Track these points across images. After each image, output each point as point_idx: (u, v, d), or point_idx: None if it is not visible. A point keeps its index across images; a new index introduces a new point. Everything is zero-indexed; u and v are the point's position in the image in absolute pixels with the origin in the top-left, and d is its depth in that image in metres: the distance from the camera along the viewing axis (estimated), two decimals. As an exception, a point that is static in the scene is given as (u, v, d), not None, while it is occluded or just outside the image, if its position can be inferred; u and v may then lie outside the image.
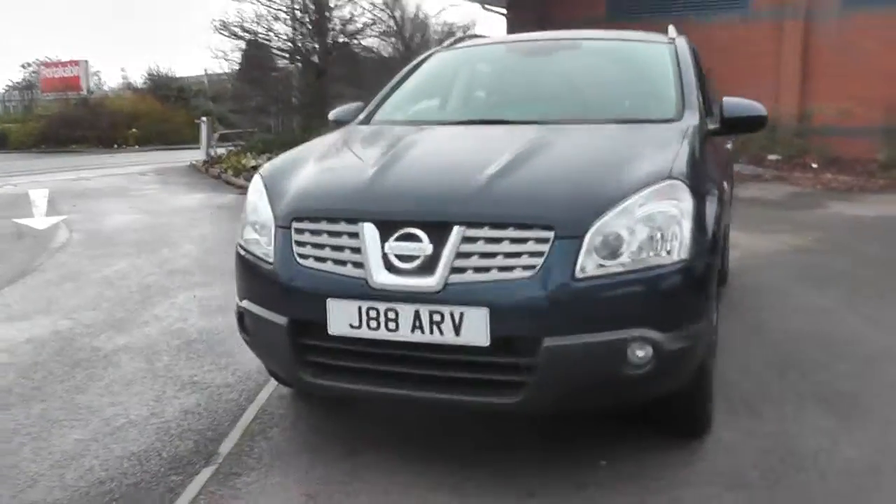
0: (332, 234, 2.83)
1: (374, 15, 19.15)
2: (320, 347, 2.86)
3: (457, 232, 2.66)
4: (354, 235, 2.78)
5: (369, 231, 2.75)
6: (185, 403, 3.70)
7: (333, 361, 2.85)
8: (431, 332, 2.65)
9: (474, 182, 2.82)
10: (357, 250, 2.76)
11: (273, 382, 3.77)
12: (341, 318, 2.75)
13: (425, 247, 2.66)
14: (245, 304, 3.07)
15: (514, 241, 2.64)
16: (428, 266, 2.66)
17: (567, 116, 3.67)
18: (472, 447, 3.19)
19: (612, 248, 2.64)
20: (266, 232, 3.00)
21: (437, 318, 2.64)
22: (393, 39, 20.75)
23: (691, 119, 3.49)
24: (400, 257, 2.69)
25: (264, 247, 2.99)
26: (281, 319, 2.87)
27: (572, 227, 2.64)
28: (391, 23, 20.55)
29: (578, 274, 2.61)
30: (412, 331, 2.67)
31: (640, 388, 2.77)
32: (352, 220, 2.80)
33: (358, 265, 2.74)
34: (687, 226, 2.74)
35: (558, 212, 2.67)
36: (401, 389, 2.76)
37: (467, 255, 2.64)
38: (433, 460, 3.09)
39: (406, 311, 2.67)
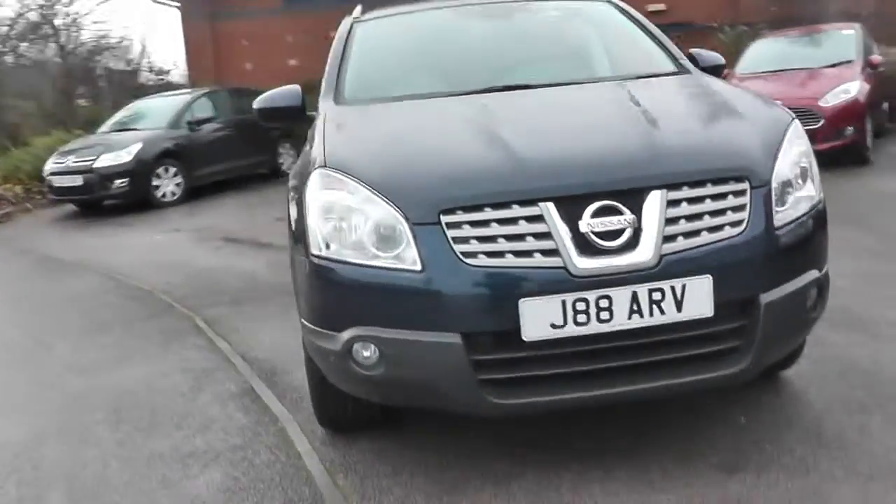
0: (503, 221, 2.35)
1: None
2: (505, 361, 2.37)
3: (659, 197, 2.36)
4: (536, 219, 2.33)
5: (554, 211, 2.32)
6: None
7: (526, 373, 2.38)
8: (651, 313, 2.33)
9: (639, 143, 2.53)
10: (543, 235, 2.32)
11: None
12: (539, 319, 2.31)
13: (629, 219, 2.32)
14: (370, 331, 2.43)
15: (714, 197, 2.42)
16: (632, 241, 2.33)
17: (577, 77, 3.47)
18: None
19: (784, 193, 2.56)
20: (390, 236, 2.40)
21: (656, 296, 2.33)
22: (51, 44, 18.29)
23: (697, 70, 3.51)
24: (601, 235, 2.32)
25: (390, 254, 2.39)
26: (450, 337, 2.33)
27: (762, 174, 2.51)
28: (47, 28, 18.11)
29: (776, 223, 2.48)
30: (629, 317, 2.33)
31: (808, 330, 2.74)
32: (527, 202, 2.35)
33: (549, 252, 2.31)
34: (815, 163, 2.75)
35: (748, 160, 2.51)
36: (613, 388, 2.39)
37: (674, 220, 2.37)
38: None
39: (621, 296, 2.32)
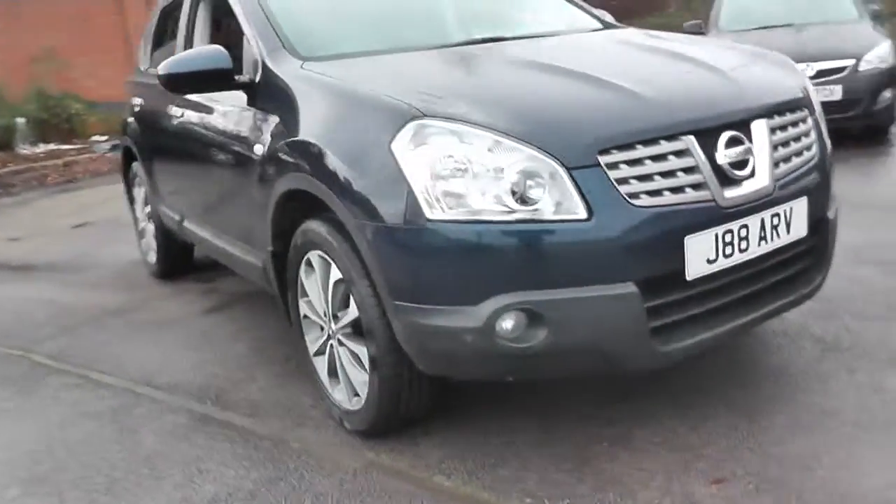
0: (655, 158, 2.25)
1: None
2: (671, 304, 2.28)
3: (765, 125, 2.46)
4: (682, 153, 2.28)
5: (696, 144, 2.29)
6: None
7: (689, 314, 2.32)
8: (772, 238, 2.43)
9: (723, 79, 2.61)
10: (690, 170, 2.28)
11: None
12: (699, 255, 2.28)
13: (747, 149, 2.38)
14: (524, 296, 2.16)
15: (793, 124, 2.59)
16: (753, 169, 2.40)
17: (538, 31, 3.43)
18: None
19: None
20: (535, 184, 2.16)
21: (775, 221, 2.44)
22: None
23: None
24: (733, 165, 2.34)
25: (533, 206, 2.15)
26: (625, 287, 2.17)
27: (814, 104, 2.73)
28: None
29: (828, 143, 2.73)
30: (758, 243, 2.40)
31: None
32: (672, 137, 2.28)
33: (698, 187, 2.28)
34: None
35: (803, 91, 2.70)
36: (748, 315, 2.44)
37: (775, 147, 2.48)
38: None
39: (754, 224, 2.38)
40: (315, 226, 2.65)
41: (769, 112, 2.50)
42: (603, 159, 2.18)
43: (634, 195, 2.19)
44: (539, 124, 2.23)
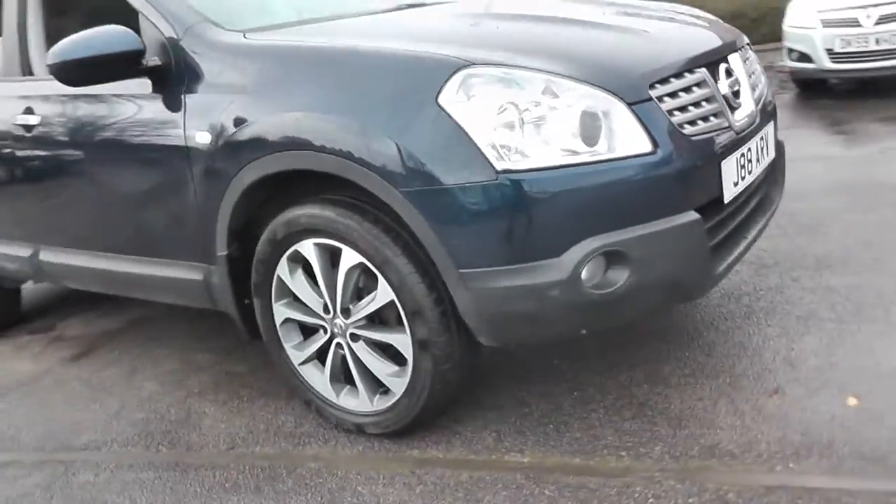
0: (685, 90, 2.29)
1: None
2: (713, 227, 2.34)
3: (739, 58, 2.62)
4: (701, 84, 2.35)
5: (708, 75, 2.38)
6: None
7: (724, 235, 2.40)
8: (760, 160, 2.61)
9: (697, 22, 2.77)
10: (709, 99, 2.36)
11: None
12: (729, 179, 2.37)
13: (736, 79, 2.53)
14: (606, 238, 2.09)
15: (748, 60, 2.78)
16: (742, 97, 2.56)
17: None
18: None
19: None
20: (596, 123, 2.09)
21: (761, 144, 2.62)
22: None
23: None
24: (735, 94, 2.48)
25: (597, 146, 2.08)
26: (689, 216, 2.19)
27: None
28: None
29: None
30: (756, 165, 2.57)
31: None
32: (692, 69, 2.34)
33: (718, 114, 2.36)
34: None
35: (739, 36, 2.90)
36: (750, 235, 2.58)
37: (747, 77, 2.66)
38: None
39: (753, 147, 2.53)
40: (313, 210, 2.32)
41: (737, 48, 2.67)
42: (654, 92, 2.17)
43: (681, 125, 2.21)
44: (586, 64, 2.16)
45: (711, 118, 2.32)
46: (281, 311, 2.54)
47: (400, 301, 2.23)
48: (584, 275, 2.06)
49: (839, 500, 1.92)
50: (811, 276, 3.15)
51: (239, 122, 2.37)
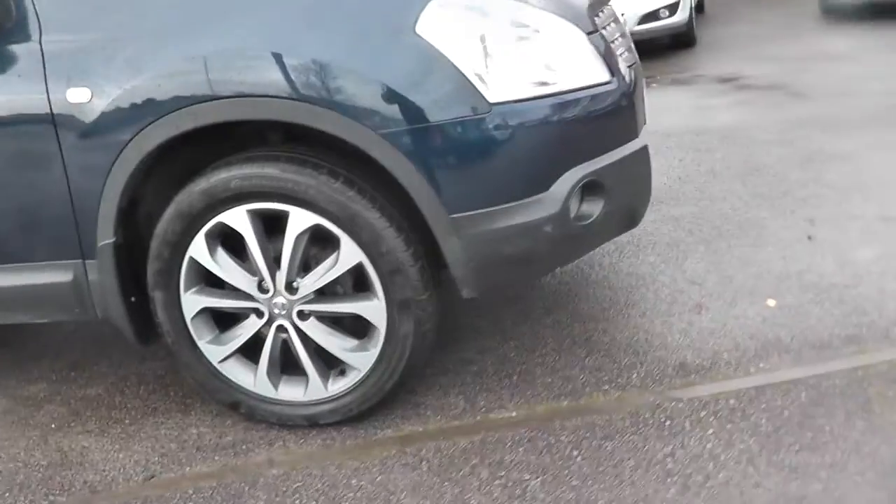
0: (609, 24, 2.33)
1: None
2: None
3: None
4: (616, 20, 2.42)
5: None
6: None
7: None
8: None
9: None
10: (623, 35, 2.44)
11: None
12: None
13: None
14: (588, 167, 2.05)
15: None
16: None
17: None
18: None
19: None
20: (563, 54, 2.04)
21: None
22: None
23: None
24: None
25: (565, 75, 2.04)
26: (641, 142, 2.22)
27: None
28: None
29: None
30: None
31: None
32: (605, 5, 2.40)
33: (629, 50, 2.46)
34: None
35: None
36: None
37: None
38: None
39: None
40: (249, 170, 1.96)
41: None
42: (598, 23, 2.17)
43: (621, 55, 2.24)
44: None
45: (627, 53, 2.37)
46: (193, 302, 2.12)
47: (371, 261, 1.98)
48: (574, 205, 2.01)
49: (819, 385, 2.09)
50: (652, 210, 3.38)
51: (136, 67, 1.92)
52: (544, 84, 1.96)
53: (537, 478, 1.90)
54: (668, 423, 2.04)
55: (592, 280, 2.84)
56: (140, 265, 2.13)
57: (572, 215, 2.02)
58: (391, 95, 1.85)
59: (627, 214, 2.23)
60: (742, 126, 4.39)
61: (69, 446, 2.28)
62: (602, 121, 2.09)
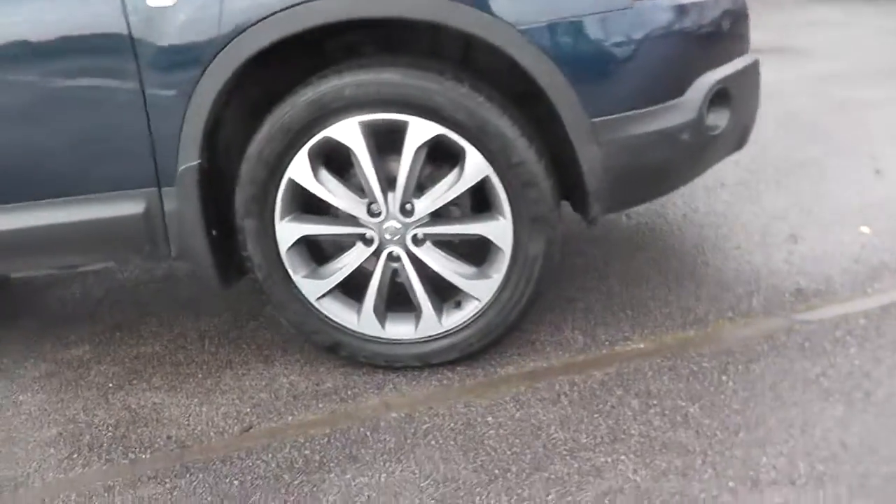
0: None
1: None
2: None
3: None
4: None
5: None
6: None
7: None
8: None
9: None
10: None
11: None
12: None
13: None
14: (718, 74, 1.93)
15: None
16: None
17: None
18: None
19: None
20: None
21: None
22: None
23: None
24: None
25: None
26: (754, 57, 2.11)
27: None
28: None
29: None
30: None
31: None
32: None
33: None
34: None
35: None
36: None
37: None
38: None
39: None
40: (365, 77, 1.76)
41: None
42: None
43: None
44: None
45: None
46: (290, 230, 1.90)
47: (500, 174, 1.79)
48: (708, 113, 1.87)
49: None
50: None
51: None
52: None
53: (694, 404, 1.75)
54: (806, 344, 1.93)
55: (672, 219, 2.70)
56: (219, 195, 1.91)
57: (708, 123, 1.89)
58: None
59: (742, 131, 2.11)
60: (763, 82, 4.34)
61: (137, 403, 2.03)
62: (729, 27, 1.97)
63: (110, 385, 2.12)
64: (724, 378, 1.83)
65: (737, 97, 1.95)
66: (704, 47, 1.88)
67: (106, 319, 2.48)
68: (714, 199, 2.81)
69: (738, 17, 2.01)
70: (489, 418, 1.78)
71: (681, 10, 1.81)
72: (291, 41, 1.76)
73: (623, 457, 1.61)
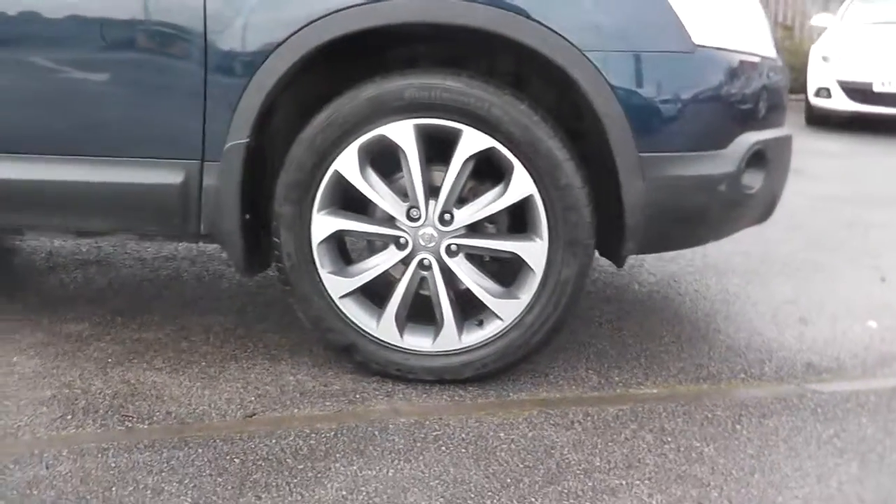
0: None
1: None
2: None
3: None
4: None
5: None
6: None
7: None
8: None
9: None
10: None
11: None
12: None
13: None
14: (761, 135, 2.01)
15: None
16: None
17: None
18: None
19: None
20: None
21: None
22: None
23: None
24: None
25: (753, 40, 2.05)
26: (788, 131, 2.22)
27: None
28: None
29: None
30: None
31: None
32: None
33: None
34: None
35: None
36: None
37: None
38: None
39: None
40: (428, 80, 1.81)
41: None
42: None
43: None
44: None
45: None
46: (325, 223, 1.90)
47: (544, 195, 1.83)
48: (746, 170, 1.94)
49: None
50: (719, 244, 3.35)
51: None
52: (739, 40, 1.92)
53: (709, 445, 1.73)
54: (819, 409, 1.92)
55: (684, 291, 2.74)
56: (257, 181, 1.92)
57: (744, 181, 1.94)
58: (603, 16, 1.77)
59: (771, 200, 2.17)
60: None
61: (136, 379, 1.97)
62: (773, 94, 2.06)
63: (109, 360, 2.07)
64: (738, 427, 1.82)
65: (772, 162, 2.02)
66: (752, 106, 1.95)
67: (107, 305, 2.44)
68: (725, 281, 2.85)
69: (781, 89, 2.10)
70: (501, 434, 1.75)
71: (737, 65, 1.90)
72: (355, 45, 1.82)
73: (638, 482, 1.58)
